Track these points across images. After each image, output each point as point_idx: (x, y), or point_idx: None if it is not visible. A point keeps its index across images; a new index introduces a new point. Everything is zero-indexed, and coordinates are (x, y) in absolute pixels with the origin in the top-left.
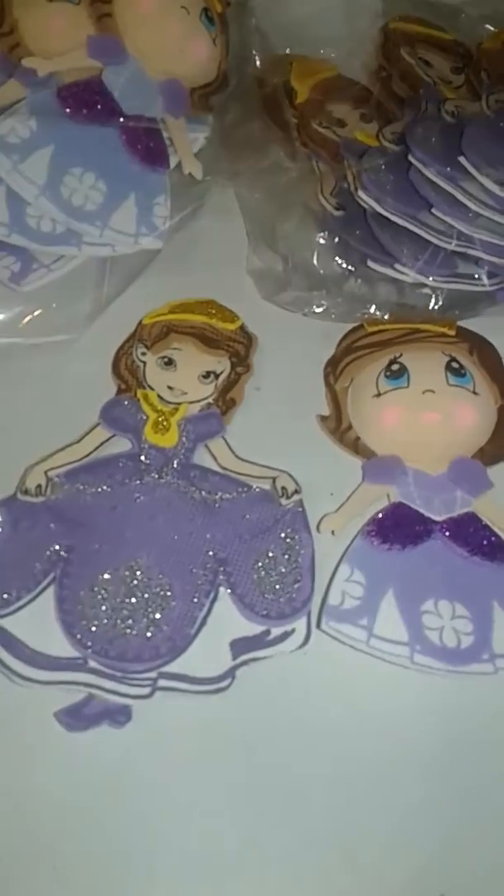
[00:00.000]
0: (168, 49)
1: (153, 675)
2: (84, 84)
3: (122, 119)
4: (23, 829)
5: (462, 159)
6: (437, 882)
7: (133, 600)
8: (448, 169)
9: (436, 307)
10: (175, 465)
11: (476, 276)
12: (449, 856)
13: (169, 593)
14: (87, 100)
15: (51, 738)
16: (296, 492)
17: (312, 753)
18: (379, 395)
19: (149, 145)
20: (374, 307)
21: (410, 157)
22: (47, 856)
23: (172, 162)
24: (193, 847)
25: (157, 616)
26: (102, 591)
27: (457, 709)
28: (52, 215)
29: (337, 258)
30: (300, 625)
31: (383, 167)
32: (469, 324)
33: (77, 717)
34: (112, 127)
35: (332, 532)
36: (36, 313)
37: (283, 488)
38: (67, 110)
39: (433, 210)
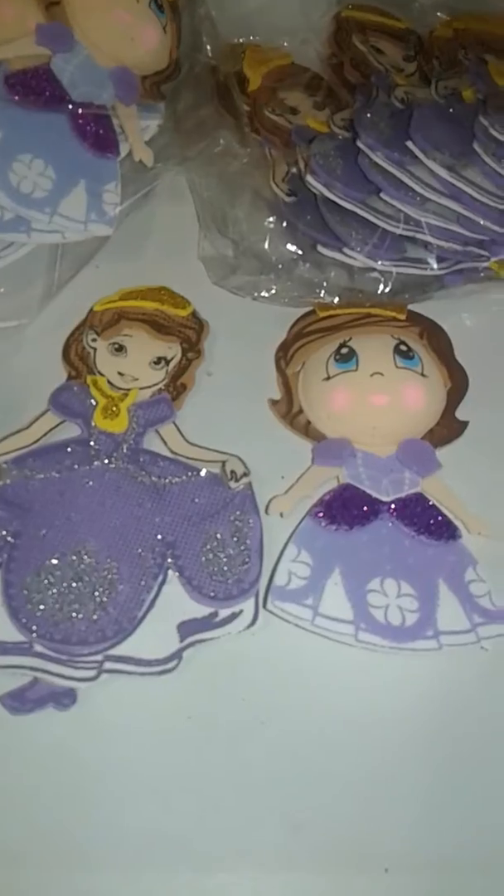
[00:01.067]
0: (117, 37)
1: (99, 657)
2: (32, 71)
3: (71, 106)
4: None
5: (409, 144)
6: (381, 855)
7: (80, 584)
8: (396, 154)
9: (385, 291)
10: (125, 450)
11: (425, 260)
12: (392, 830)
13: (116, 577)
14: (35, 87)
15: None
16: (244, 475)
17: (258, 732)
18: (328, 378)
19: (98, 132)
20: (324, 292)
21: (358, 142)
22: None
23: (123, 149)
24: (140, 827)
25: (104, 599)
26: (49, 576)
27: (403, 685)
28: (0, 202)
29: (287, 243)
30: (248, 606)
31: (333, 153)
32: (420, 308)
33: (21, 701)
34: (61, 114)
35: (281, 514)
36: None
37: (232, 472)
38: (16, 97)
39: (381, 195)
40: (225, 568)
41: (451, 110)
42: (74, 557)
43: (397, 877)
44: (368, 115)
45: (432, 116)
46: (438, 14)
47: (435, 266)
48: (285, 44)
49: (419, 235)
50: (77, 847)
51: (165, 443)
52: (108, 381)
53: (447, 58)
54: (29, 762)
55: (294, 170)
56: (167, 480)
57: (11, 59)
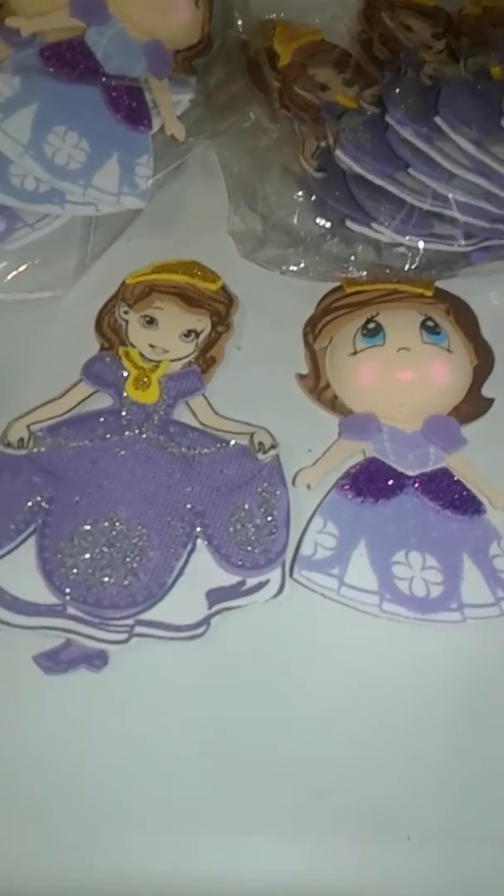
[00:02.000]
0: (151, 11)
1: (130, 621)
2: (67, 43)
3: (104, 79)
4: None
5: (438, 119)
6: (404, 823)
7: (112, 550)
8: (424, 129)
9: (412, 267)
10: (155, 421)
11: (452, 236)
12: (416, 799)
13: (147, 544)
14: (69, 59)
15: (29, 680)
16: (272, 447)
17: (285, 697)
18: (355, 353)
19: (131, 105)
20: (351, 267)
21: (387, 118)
22: (24, 797)
23: (155, 123)
24: (168, 789)
25: (135, 565)
26: (82, 542)
27: (426, 655)
28: (35, 174)
29: (316, 218)
30: (275, 575)
31: (362, 128)
32: (447, 285)
33: (55, 661)
34: (95, 86)
35: (308, 486)
36: (21, 268)
37: (260, 443)
38: (50, 69)
39: (409, 170)
40: (252, 538)
41: (479, 87)
42: (106, 524)
43: (420, 845)
44: (397, 90)
45: (461, 92)
46: None
47: (462, 242)
48: (316, 20)
49: (446, 211)
50: (107, 805)
51: (195, 414)
52: (140, 353)
53: (476, 35)
54: (61, 721)
55: (323, 145)
56: (196, 451)
57: (46, 32)
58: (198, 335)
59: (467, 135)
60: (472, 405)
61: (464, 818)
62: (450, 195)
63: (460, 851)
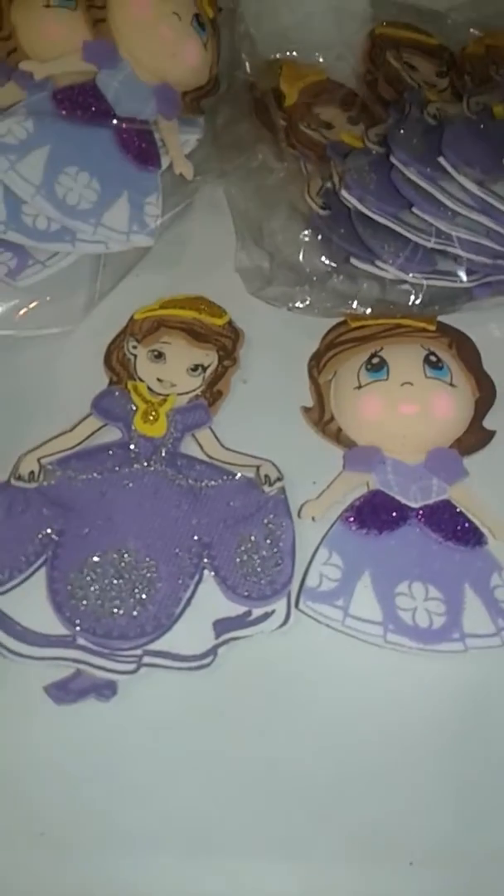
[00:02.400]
0: (160, 53)
1: (138, 652)
2: (79, 87)
3: (115, 121)
4: (11, 796)
5: (441, 159)
6: (407, 848)
7: (121, 581)
8: (428, 169)
9: (416, 303)
10: (163, 454)
11: (455, 272)
12: (419, 825)
13: (155, 575)
14: (82, 102)
15: (40, 710)
16: (278, 479)
17: (290, 726)
18: (360, 387)
19: (141, 146)
20: (356, 303)
21: (392, 158)
22: (35, 823)
23: (164, 162)
24: (176, 816)
25: (144, 596)
26: (91, 573)
27: (429, 684)
28: (47, 213)
29: (321, 256)
30: (280, 606)
31: (367, 167)
32: (449, 319)
33: (65, 691)
34: (106, 128)
35: (313, 518)
36: (31, 306)
37: (266, 476)
38: (63, 112)
39: (413, 209)
40: (258, 569)
41: (482, 126)
42: (115, 556)
43: (422, 870)
44: (402, 131)
45: (464, 132)
46: (471, 30)
47: (465, 278)
48: (321, 59)
49: (450, 249)
50: (116, 832)
51: (202, 447)
52: (148, 387)
53: (479, 74)
54: (72, 750)
55: (329, 184)
56: (204, 484)
57: (59, 76)
58: (205, 369)
59: (470, 174)
60: (474, 437)
61: (466, 844)
62: (453, 233)
63: (462, 876)
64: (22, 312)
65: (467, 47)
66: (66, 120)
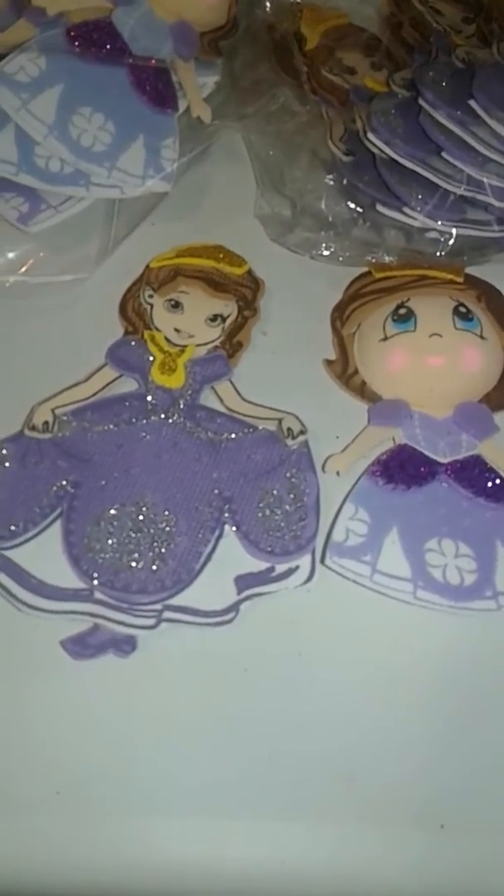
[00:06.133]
0: None
1: (158, 606)
2: (93, 24)
3: (131, 60)
4: (27, 754)
5: (472, 103)
6: (438, 813)
7: (139, 535)
8: (458, 112)
9: (443, 253)
10: (181, 406)
11: (486, 221)
12: (449, 787)
13: (174, 529)
14: (96, 39)
15: (57, 665)
16: (301, 433)
17: (314, 684)
18: (386, 338)
19: (157, 87)
20: (381, 252)
21: (420, 100)
22: (51, 781)
23: (181, 105)
24: (195, 775)
25: (163, 550)
26: (109, 526)
27: (460, 644)
28: (60, 155)
29: (345, 202)
30: (304, 562)
31: (393, 111)
32: (477, 271)
33: (83, 646)
34: (121, 67)
35: (338, 472)
36: (43, 253)
37: (288, 429)
38: (77, 49)
39: (443, 154)
40: (282, 524)
41: None
42: (133, 508)
43: (453, 834)
44: (430, 73)
45: (494, 76)
46: None
47: (496, 227)
48: (343, 3)
49: (480, 196)
50: (133, 791)
51: (221, 399)
52: (165, 337)
53: None
54: (89, 707)
55: (352, 128)
56: (224, 436)
57: (73, 12)
58: (224, 320)
59: (502, 118)
60: None
61: (498, 809)
62: (484, 179)
63: (493, 842)
64: (34, 259)
65: None
66: (80, 58)
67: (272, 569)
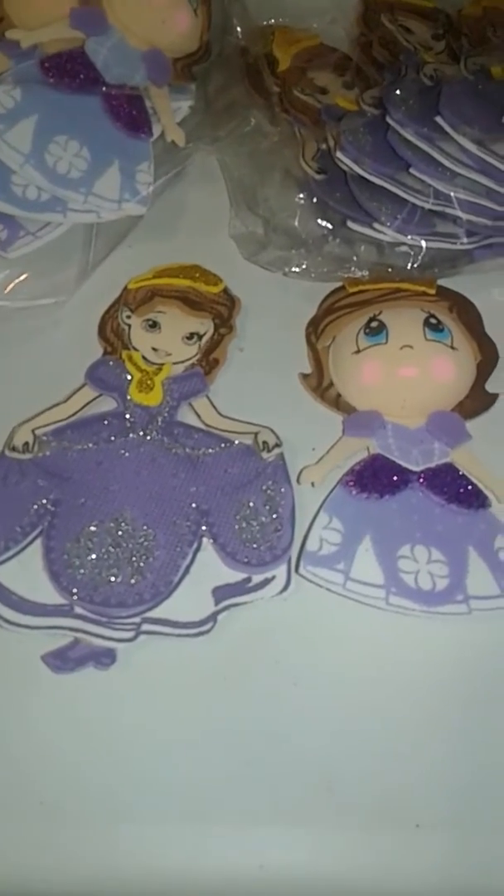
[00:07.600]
0: (150, 20)
1: (137, 619)
2: (67, 54)
3: (105, 88)
4: (9, 766)
5: (439, 119)
6: (413, 813)
7: (118, 550)
8: (425, 129)
9: (415, 266)
10: (159, 423)
11: (454, 234)
12: (424, 788)
13: (153, 543)
14: (70, 69)
15: (38, 679)
16: (276, 445)
17: (291, 692)
18: (358, 351)
19: (131, 113)
20: (353, 267)
21: (388, 118)
22: (33, 792)
23: (156, 130)
24: (176, 785)
25: (141, 565)
26: (88, 542)
27: (433, 647)
28: (37, 183)
29: (317, 219)
30: (280, 572)
31: (362, 129)
32: (449, 283)
33: (63, 660)
34: (95, 95)
35: (313, 483)
36: (22, 278)
37: (264, 442)
38: (51, 80)
39: (411, 170)
40: (258, 535)
41: (479, 87)
42: (112, 524)
43: (428, 833)
44: (398, 91)
45: (461, 92)
46: None
47: (465, 240)
48: (314, 24)
49: (449, 210)
50: (115, 801)
51: (199, 416)
52: (143, 357)
53: (476, 35)
54: (70, 719)
55: (323, 147)
56: (201, 451)
57: (47, 43)
58: (200, 337)
59: (469, 134)
60: (476, 401)
61: (471, 807)
62: (452, 193)
63: (468, 840)
64: (14, 284)
65: (464, 9)
66: (55, 88)
67: (249, 579)
